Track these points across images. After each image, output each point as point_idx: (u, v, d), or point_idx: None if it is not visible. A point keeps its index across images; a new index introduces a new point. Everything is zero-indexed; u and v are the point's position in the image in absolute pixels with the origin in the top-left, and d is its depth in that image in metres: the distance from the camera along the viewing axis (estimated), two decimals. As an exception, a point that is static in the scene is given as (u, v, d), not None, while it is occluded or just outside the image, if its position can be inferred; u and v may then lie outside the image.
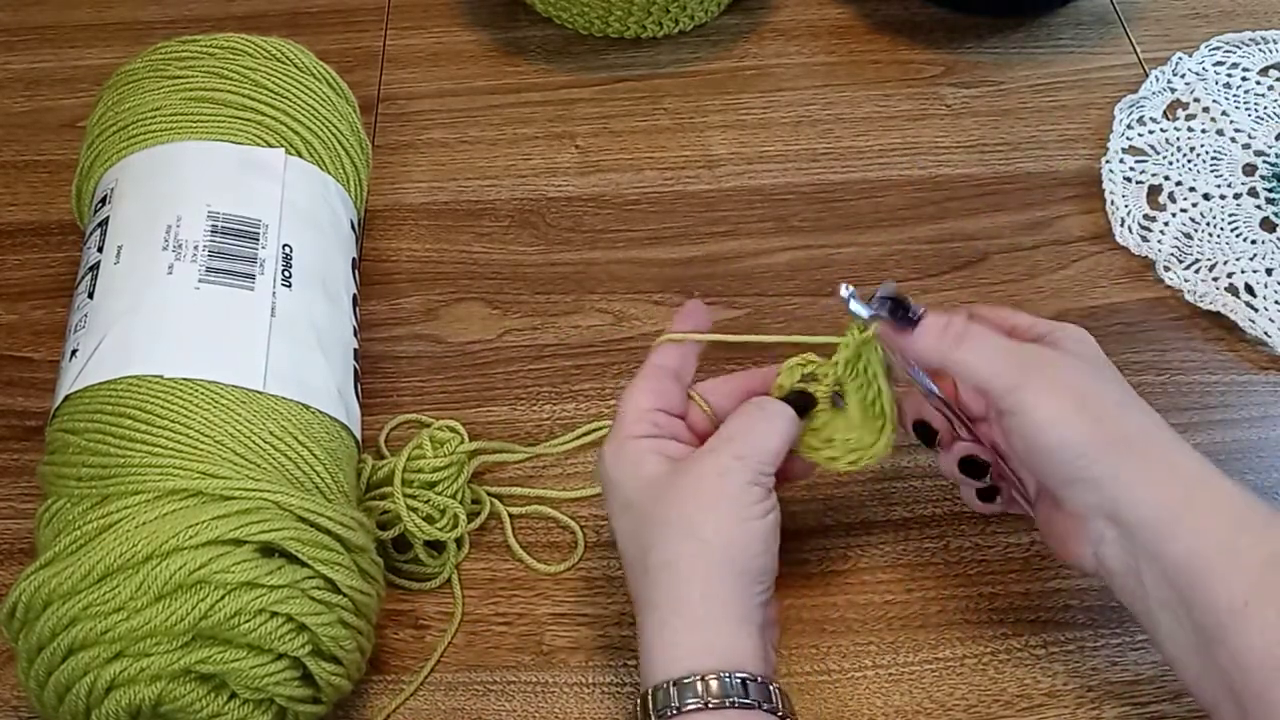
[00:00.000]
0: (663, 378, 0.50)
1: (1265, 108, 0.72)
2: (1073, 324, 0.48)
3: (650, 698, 0.44)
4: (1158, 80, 0.73)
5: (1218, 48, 0.75)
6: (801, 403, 0.49)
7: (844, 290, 0.48)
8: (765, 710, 0.43)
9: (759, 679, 0.43)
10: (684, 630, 0.44)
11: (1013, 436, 0.45)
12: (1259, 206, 0.67)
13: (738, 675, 0.43)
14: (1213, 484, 0.43)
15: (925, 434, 0.50)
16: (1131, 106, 0.72)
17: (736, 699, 0.43)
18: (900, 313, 0.47)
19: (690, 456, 0.47)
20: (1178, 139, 0.70)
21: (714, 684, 0.43)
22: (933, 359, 0.46)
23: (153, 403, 0.49)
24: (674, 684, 0.43)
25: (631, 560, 0.47)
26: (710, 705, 0.42)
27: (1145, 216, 0.67)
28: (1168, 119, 0.72)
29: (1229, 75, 0.73)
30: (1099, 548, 0.45)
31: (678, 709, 0.43)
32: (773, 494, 0.47)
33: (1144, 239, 0.66)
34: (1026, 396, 0.44)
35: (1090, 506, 0.44)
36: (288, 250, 0.55)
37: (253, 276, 0.53)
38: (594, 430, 0.59)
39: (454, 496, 0.55)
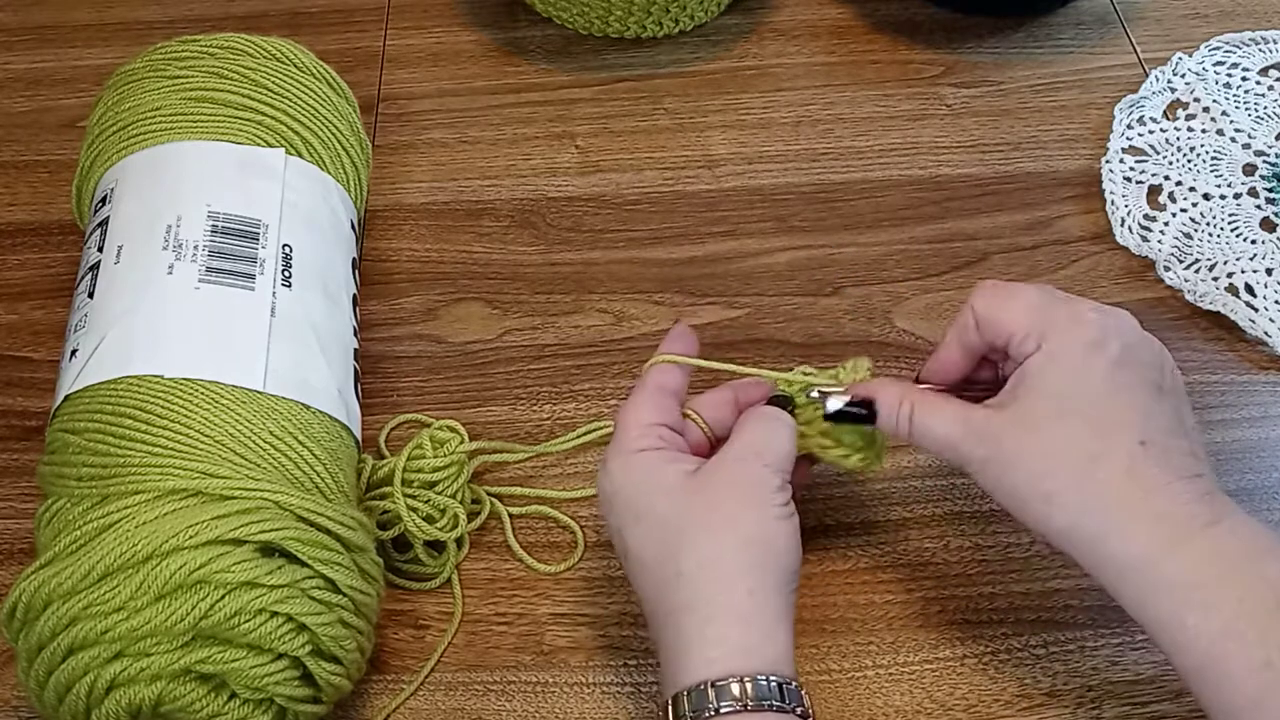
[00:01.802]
0: (662, 396, 0.50)
1: (1265, 108, 0.72)
2: (1068, 319, 0.46)
3: (684, 698, 0.43)
4: (1158, 80, 0.73)
5: (1218, 48, 0.75)
6: (782, 406, 0.51)
7: (815, 395, 0.51)
8: (797, 715, 0.43)
9: (791, 683, 0.44)
10: (729, 628, 0.44)
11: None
12: (1259, 206, 0.67)
13: (773, 679, 0.43)
14: (1152, 569, 0.42)
15: None
16: (1131, 106, 0.72)
17: (773, 702, 0.43)
18: (855, 412, 0.49)
19: (716, 462, 0.47)
20: (1178, 139, 0.70)
21: (750, 687, 0.43)
22: (899, 438, 0.49)
23: (153, 403, 0.49)
24: (711, 686, 0.43)
25: (653, 568, 0.46)
26: (749, 707, 0.42)
27: (1145, 216, 0.67)
28: (1168, 119, 0.72)
29: (1229, 75, 0.73)
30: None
31: (715, 710, 0.43)
32: (791, 499, 0.48)
33: (1144, 239, 0.66)
34: (987, 478, 0.45)
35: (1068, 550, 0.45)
36: (288, 250, 0.55)
37: (253, 276, 0.53)
38: (594, 430, 0.59)
39: (454, 496, 0.55)
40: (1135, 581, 0.43)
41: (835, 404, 0.50)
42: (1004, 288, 0.48)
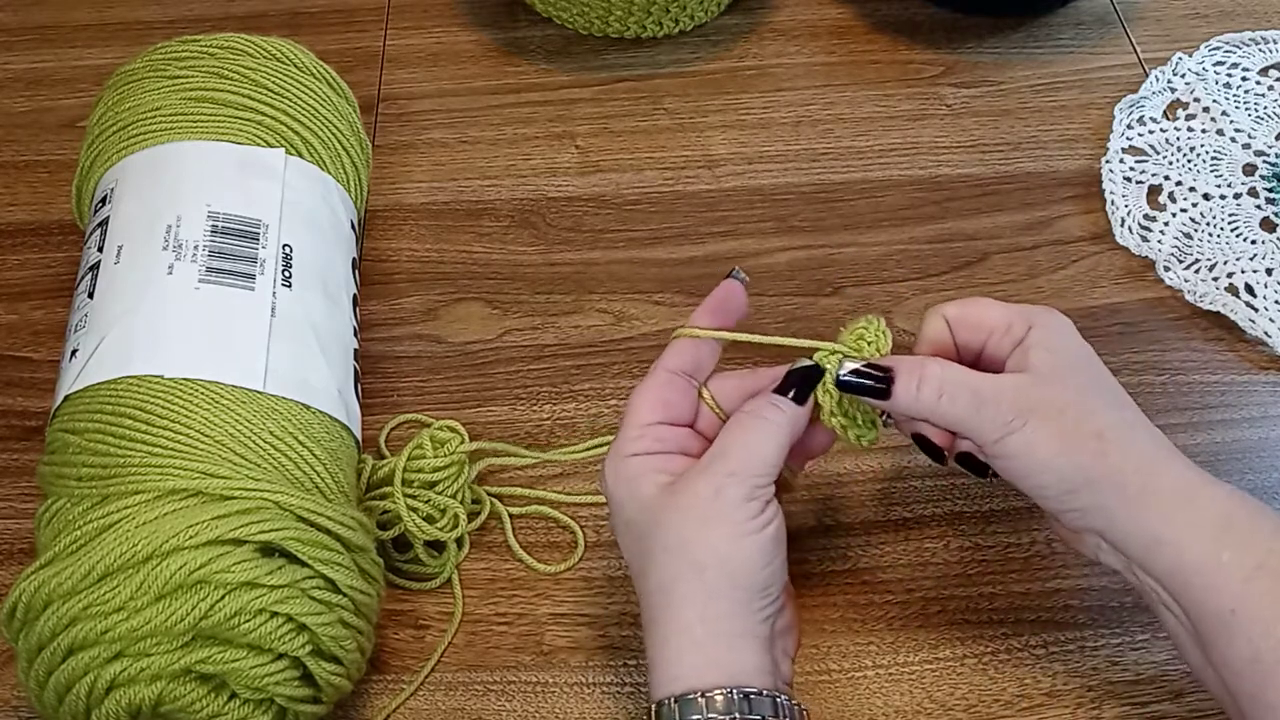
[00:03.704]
0: (670, 385, 0.48)
1: (1265, 108, 0.72)
2: (1044, 309, 0.48)
3: (655, 713, 0.44)
4: (1158, 80, 0.73)
5: (1218, 48, 0.75)
6: (805, 379, 0.47)
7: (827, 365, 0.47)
8: None
9: (764, 693, 0.43)
10: (684, 650, 0.44)
11: (1002, 472, 0.46)
12: (1259, 206, 0.67)
13: (738, 691, 0.43)
14: (1194, 501, 0.44)
15: (926, 448, 0.50)
16: (1131, 106, 0.72)
17: (738, 714, 0.42)
18: (872, 381, 0.47)
19: (684, 475, 0.46)
20: (1178, 139, 0.70)
21: (718, 699, 0.43)
22: (916, 416, 0.47)
23: (153, 403, 0.49)
24: (676, 700, 0.43)
25: (635, 579, 0.47)
26: None
27: (1145, 216, 0.67)
28: (1168, 119, 0.72)
29: (1229, 75, 0.73)
30: (1097, 554, 0.46)
31: None
32: (772, 504, 0.46)
33: (1144, 239, 0.66)
34: (1008, 446, 0.45)
35: (1082, 526, 0.45)
36: (288, 250, 0.55)
37: (253, 276, 0.53)
38: (602, 445, 0.59)
39: (454, 496, 0.55)
40: (1178, 517, 0.43)
41: (850, 366, 0.47)
42: (968, 299, 0.49)
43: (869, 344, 0.48)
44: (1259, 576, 0.42)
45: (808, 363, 0.48)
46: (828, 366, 0.48)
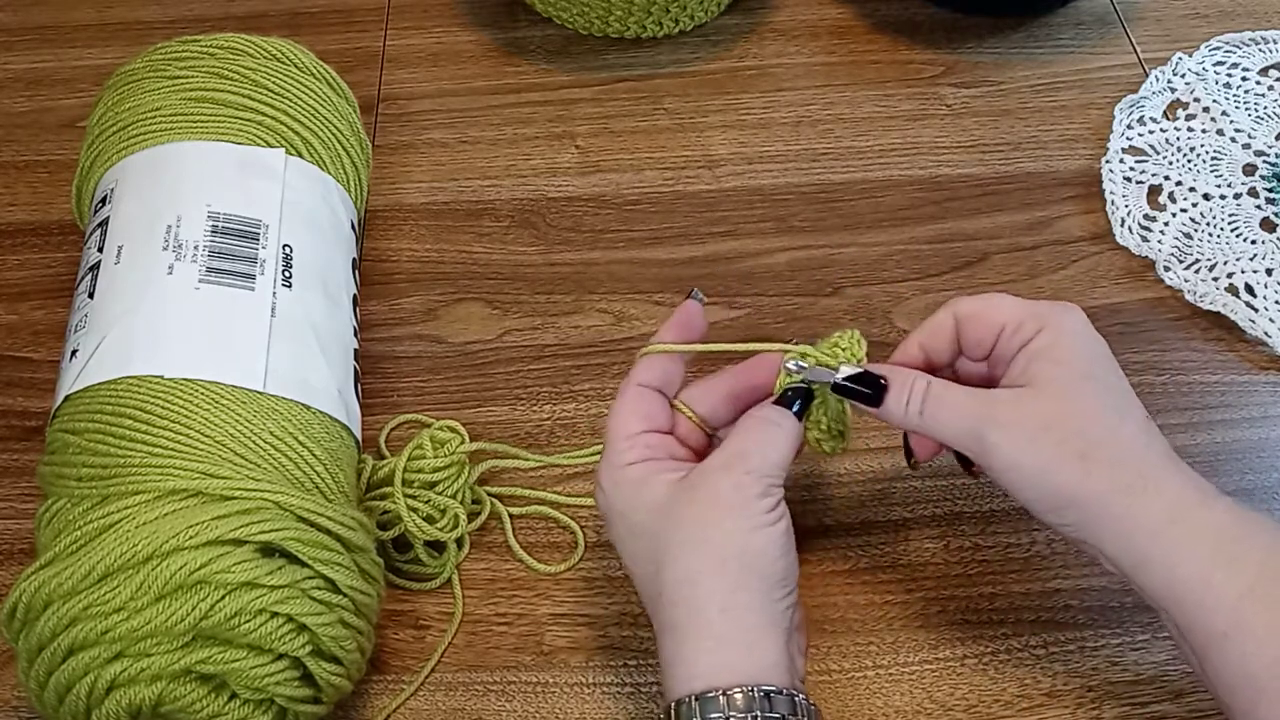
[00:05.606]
0: (645, 398, 0.49)
1: (1265, 108, 0.72)
2: (1058, 308, 0.47)
3: (673, 712, 0.43)
4: (1158, 80, 0.73)
5: (1218, 48, 0.75)
6: (799, 398, 0.49)
7: (792, 364, 0.49)
8: None
9: (784, 691, 0.43)
10: (705, 647, 0.44)
11: (994, 481, 0.46)
12: (1259, 206, 0.67)
13: (759, 689, 0.43)
14: (1186, 519, 0.43)
15: (904, 445, 0.51)
16: (1131, 106, 0.72)
17: (758, 713, 0.42)
18: (865, 388, 0.47)
19: (699, 472, 0.46)
20: (1178, 139, 0.70)
21: (739, 698, 0.43)
22: (906, 428, 0.48)
23: (153, 403, 0.49)
24: (696, 698, 0.43)
25: (646, 583, 0.47)
26: (734, 719, 0.42)
27: (1145, 216, 0.67)
28: (1168, 119, 0.72)
29: (1229, 75, 0.73)
30: (1095, 559, 0.46)
31: None
32: (782, 503, 0.46)
33: (1144, 239, 0.66)
34: (991, 463, 0.45)
35: (1074, 538, 0.45)
36: (288, 250, 0.55)
37: (253, 276, 0.53)
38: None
39: (454, 497, 0.55)
40: (1168, 537, 0.43)
41: (846, 372, 0.48)
42: (981, 295, 0.49)
43: (843, 350, 0.49)
44: (1252, 597, 0.42)
45: (800, 384, 0.49)
46: (832, 365, 0.48)
